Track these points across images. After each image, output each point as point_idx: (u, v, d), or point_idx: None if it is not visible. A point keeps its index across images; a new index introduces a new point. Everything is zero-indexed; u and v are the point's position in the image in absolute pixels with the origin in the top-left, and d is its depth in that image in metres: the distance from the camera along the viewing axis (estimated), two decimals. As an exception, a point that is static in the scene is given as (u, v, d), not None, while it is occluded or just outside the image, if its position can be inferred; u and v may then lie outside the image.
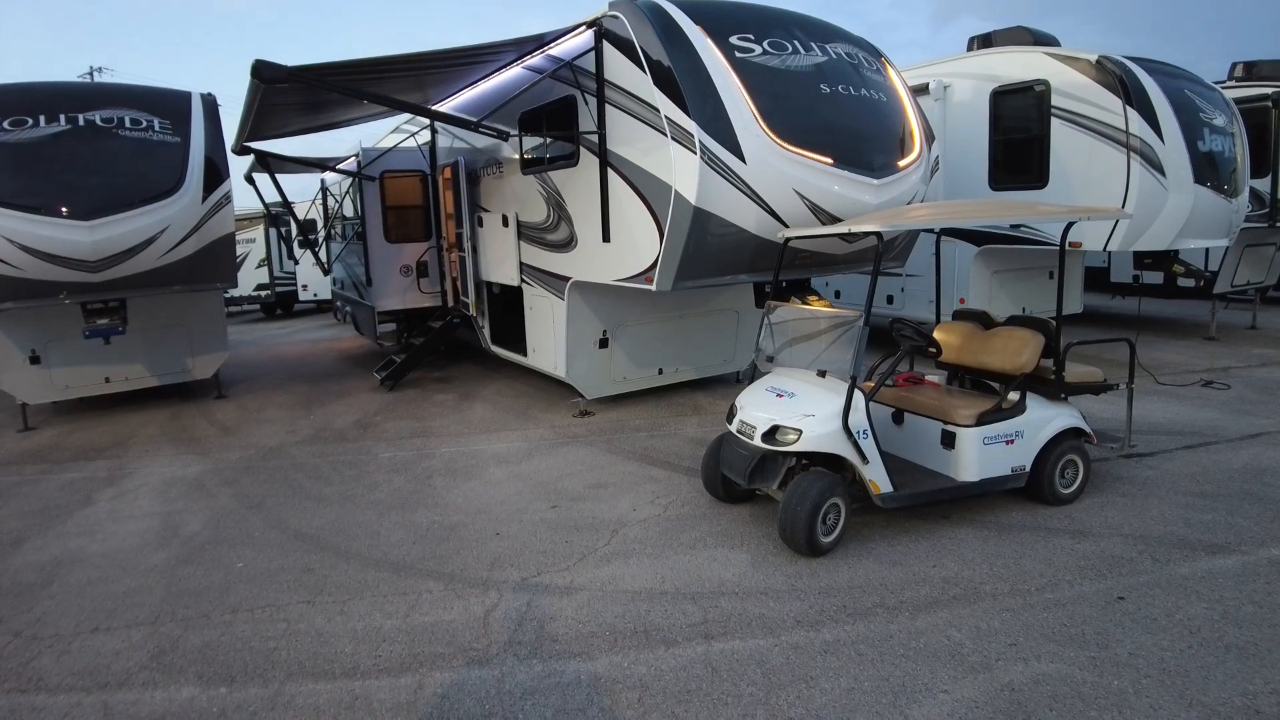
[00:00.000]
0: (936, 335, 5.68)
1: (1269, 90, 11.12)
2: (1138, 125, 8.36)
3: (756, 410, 4.82)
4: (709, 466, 5.36)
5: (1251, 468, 5.85)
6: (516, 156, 8.32)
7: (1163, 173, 8.39)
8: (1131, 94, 8.41)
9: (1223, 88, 10.66)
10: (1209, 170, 8.74)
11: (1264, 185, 10.99)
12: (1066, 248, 5.76)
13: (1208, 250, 11.01)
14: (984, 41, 10.47)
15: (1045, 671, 3.36)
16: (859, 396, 4.52)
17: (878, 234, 4.75)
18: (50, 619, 4.27)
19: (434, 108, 9.35)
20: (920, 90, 9.72)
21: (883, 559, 4.49)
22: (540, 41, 7.15)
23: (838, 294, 11.65)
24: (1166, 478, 5.69)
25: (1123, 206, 8.41)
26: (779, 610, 3.95)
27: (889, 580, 4.24)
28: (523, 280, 8.55)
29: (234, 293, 18.94)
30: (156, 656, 3.83)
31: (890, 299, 10.61)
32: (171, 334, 9.69)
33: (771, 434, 4.59)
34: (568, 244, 7.55)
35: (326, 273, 14.31)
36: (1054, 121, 9.02)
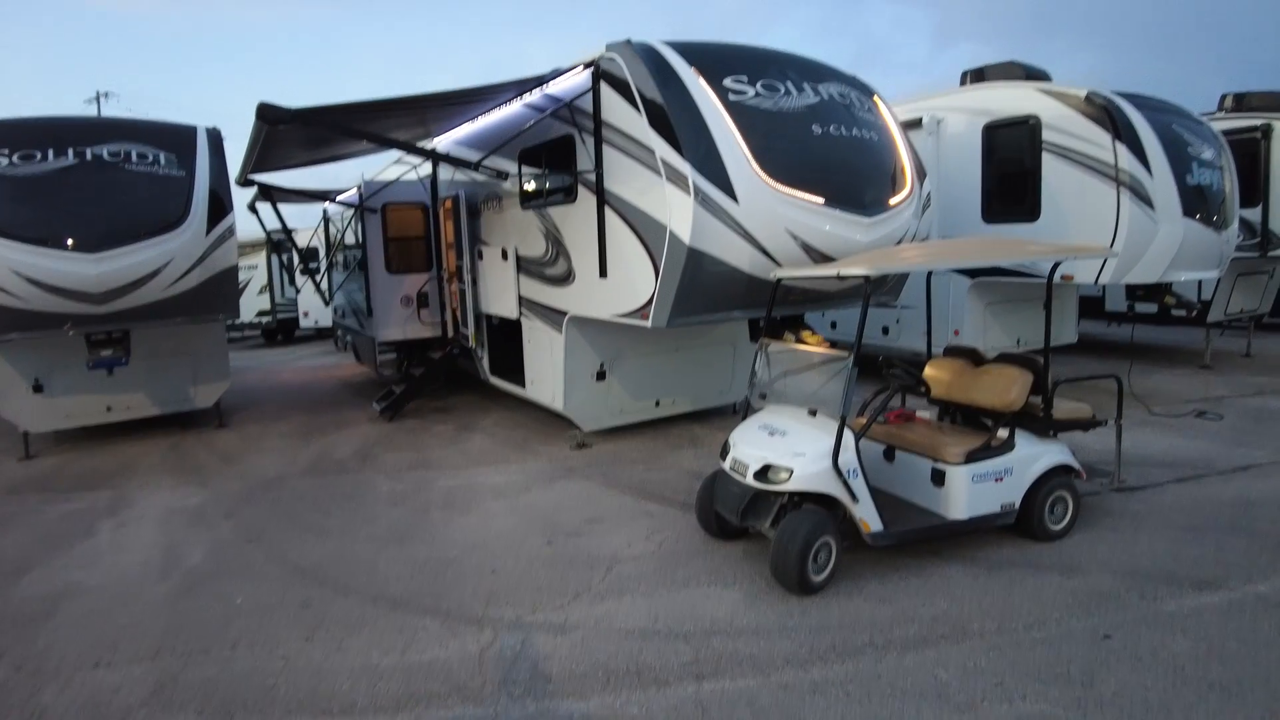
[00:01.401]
0: (927, 372, 5.77)
1: (1258, 122, 11.30)
2: (1127, 159, 8.49)
3: (749, 448, 4.91)
4: (703, 502, 5.43)
5: (1241, 500, 5.92)
6: (516, 192, 8.46)
7: (1152, 206, 8.51)
8: (1120, 129, 8.55)
9: (1212, 119, 10.84)
10: (1198, 203, 8.86)
11: (1255, 215, 11.13)
12: (1060, 280, 5.85)
13: (1200, 280, 11.12)
14: (976, 76, 10.65)
15: (1029, 711, 3.41)
16: (849, 436, 4.60)
17: (865, 276, 4.85)
18: (52, 652, 4.32)
19: (435, 141, 9.54)
20: (913, 125, 9.88)
21: (873, 597, 4.55)
22: (539, 81, 7.31)
23: (833, 325, 11.74)
24: (1157, 511, 5.75)
25: (1113, 239, 8.52)
26: (769, 649, 4.01)
27: (879, 618, 4.30)
28: (521, 313, 8.66)
29: (235, 319, 19.09)
30: (157, 691, 3.88)
31: (885, 330, 10.71)
32: (174, 363, 9.78)
33: (763, 473, 4.66)
34: (566, 279, 7.67)
35: (328, 303, 14.44)
36: (1045, 156, 9.15)
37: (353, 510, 6.58)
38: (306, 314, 19.96)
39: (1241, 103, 11.98)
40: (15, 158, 7.80)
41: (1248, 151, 11.03)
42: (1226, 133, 10.34)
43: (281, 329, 21.54)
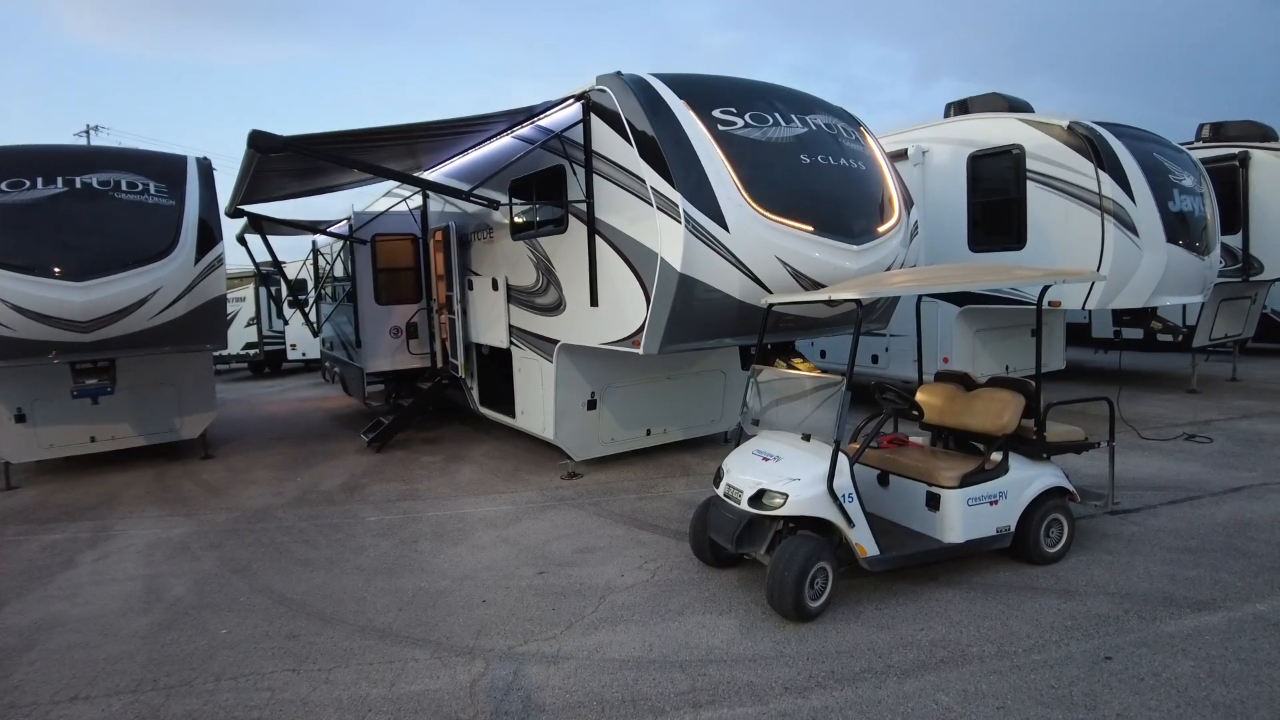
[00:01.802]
0: (919, 397, 5.78)
1: (1235, 150, 11.53)
2: (1110, 187, 8.62)
3: (743, 474, 4.87)
4: (697, 530, 5.37)
5: (1235, 521, 5.92)
6: (507, 222, 8.49)
7: (1136, 233, 8.63)
8: (1102, 157, 8.70)
9: (1190, 148, 11.04)
10: (1180, 229, 9.00)
11: (1236, 241, 11.31)
12: (1047, 306, 5.89)
13: (1184, 305, 11.26)
14: (960, 108, 10.83)
15: (1033, 737, 3.36)
16: (843, 460, 4.58)
17: (857, 300, 4.87)
18: (29, 686, 4.21)
19: (426, 173, 9.58)
20: (899, 156, 10.02)
21: (870, 622, 4.50)
22: (530, 113, 7.37)
23: (823, 354, 11.79)
24: (1151, 534, 5.74)
25: (1099, 266, 8.62)
26: (767, 677, 3.94)
27: (877, 644, 4.24)
28: (512, 342, 8.64)
29: (222, 351, 19.04)
30: (137, 728, 3.78)
31: (875, 358, 10.74)
32: (160, 393, 9.69)
33: (758, 498, 4.63)
34: (556, 308, 7.67)
35: (316, 334, 14.38)
36: (1030, 184, 9.29)
37: (340, 542, 6.48)
38: (294, 346, 19.87)
39: (1219, 132, 12.23)
40: (4, 185, 7.79)
41: (1227, 179, 11.25)
42: (1205, 161, 10.55)
43: (268, 361, 21.41)
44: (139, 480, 9.06)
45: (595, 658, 4.24)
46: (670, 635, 4.46)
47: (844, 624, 4.49)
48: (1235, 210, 11.26)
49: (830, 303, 5.48)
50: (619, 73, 6.57)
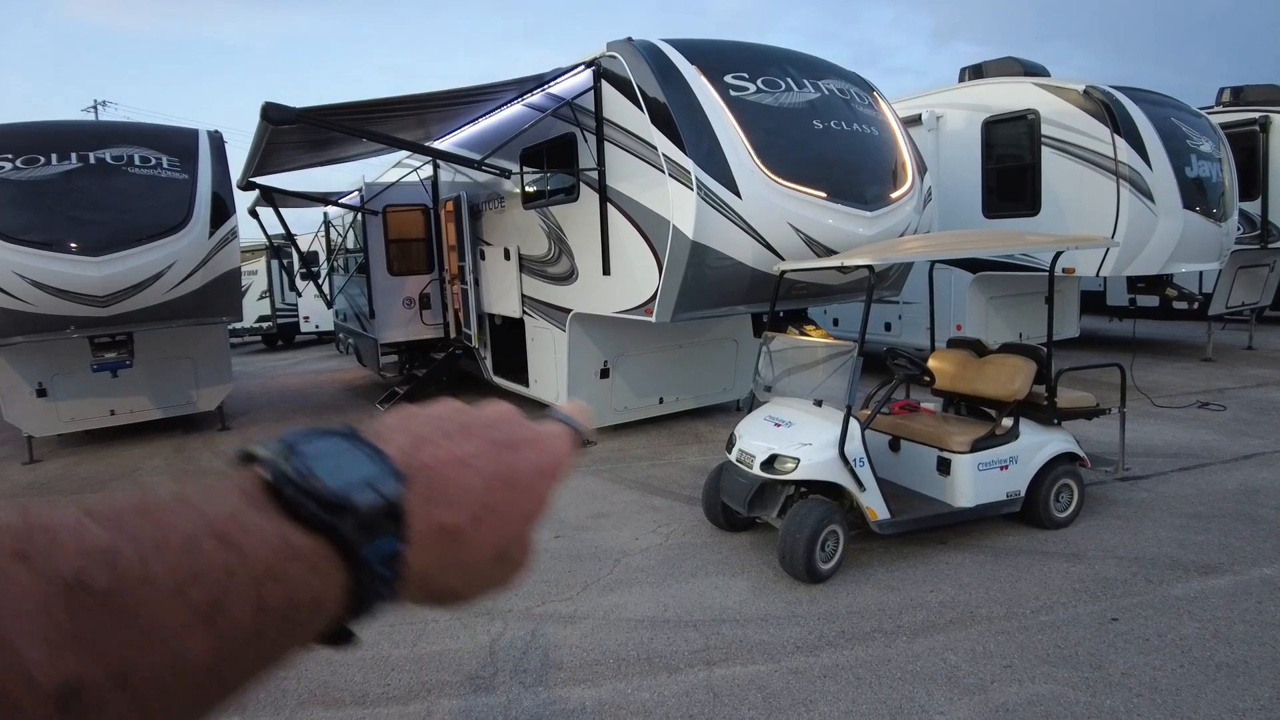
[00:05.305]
0: (931, 363, 5.79)
1: (1256, 115, 11.33)
2: (1126, 153, 8.52)
3: (755, 439, 4.92)
4: (709, 495, 5.44)
5: (1245, 488, 5.93)
6: (518, 191, 8.49)
7: (1152, 199, 8.54)
8: (1119, 122, 8.59)
9: (1210, 113, 10.86)
10: (1197, 195, 8.90)
11: (1254, 208, 11.16)
12: (1060, 274, 5.87)
13: (1201, 272, 11.16)
14: (975, 73, 10.69)
15: (1039, 692, 3.43)
16: (854, 425, 4.63)
17: (870, 267, 4.88)
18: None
19: (436, 143, 9.57)
20: (913, 121, 9.92)
21: (881, 584, 4.57)
22: (540, 81, 7.34)
23: (836, 322, 11.76)
24: (1161, 500, 5.77)
25: (1113, 233, 8.55)
26: (779, 636, 4.03)
27: (887, 605, 4.31)
28: (524, 312, 8.68)
29: (236, 324, 19.16)
30: (168, 688, 3.89)
31: (888, 326, 10.72)
32: (177, 366, 9.79)
33: (770, 463, 4.68)
34: (569, 277, 7.70)
35: (330, 305, 14.47)
36: (1044, 150, 9.19)
37: (359, 508, 6.58)
38: (307, 318, 19.95)
39: (1239, 97, 12.01)
40: (19, 162, 7.83)
41: (1246, 145, 11.06)
42: (1225, 126, 10.39)
43: (282, 334, 21.50)
44: (159, 452, 9.20)
45: (611, 618, 4.33)
46: (684, 596, 4.54)
47: (854, 586, 4.56)
48: (1254, 176, 11.10)
49: (843, 269, 5.49)
50: (630, 39, 6.54)
